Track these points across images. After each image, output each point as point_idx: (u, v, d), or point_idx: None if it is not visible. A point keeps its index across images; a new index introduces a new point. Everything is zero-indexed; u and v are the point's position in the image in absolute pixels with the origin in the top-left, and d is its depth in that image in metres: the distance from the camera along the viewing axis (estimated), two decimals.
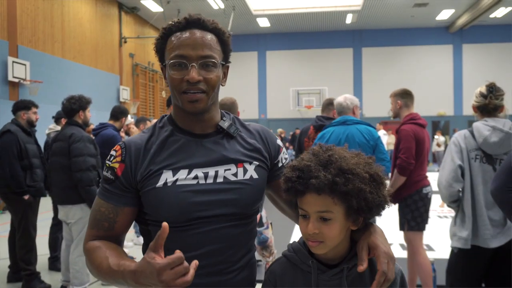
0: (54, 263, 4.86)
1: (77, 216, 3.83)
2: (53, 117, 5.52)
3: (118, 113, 4.81)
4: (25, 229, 4.37)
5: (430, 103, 20.42)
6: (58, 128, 5.26)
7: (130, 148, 1.26)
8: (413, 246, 3.72)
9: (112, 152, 1.28)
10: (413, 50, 21.33)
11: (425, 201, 3.65)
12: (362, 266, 1.15)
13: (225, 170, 1.26)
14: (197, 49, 1.22)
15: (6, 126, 4.46)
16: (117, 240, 1.28)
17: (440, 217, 7.68)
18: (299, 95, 21.26)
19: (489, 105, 2.72)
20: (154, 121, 6.71)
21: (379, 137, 3.64)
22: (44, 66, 11.80)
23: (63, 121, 5.22)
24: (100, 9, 15.16)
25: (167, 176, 1.22)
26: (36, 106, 4.67)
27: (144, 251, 1.31)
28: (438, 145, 18.13)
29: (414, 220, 3.65)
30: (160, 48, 1.29)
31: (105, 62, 15.42)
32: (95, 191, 3.79)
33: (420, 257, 3.68)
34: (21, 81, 10.68)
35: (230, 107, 3.60)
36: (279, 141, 1.43)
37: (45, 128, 5.55)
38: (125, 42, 16.78)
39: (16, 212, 4.41)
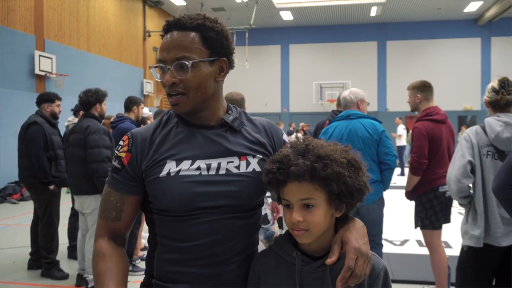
0: (73, 252, 4.99)
1: (92, 206, 3.93)
2: (72, 109, 5.65)
3: (128, 103, 4.89)
4: (49, 218, 4.51)
5: (457, 97, 19.97)
6: (76, 120, 5.39)
7: (136, 138, 1.30)
8: (429, 245, 3.67)
9: (120, 142, 1.33)
10: (439, 43, 20.85)
11: (441, 200, 3.55)
12: (330, 259, 1.16)
13: (227, 162, 1.28)
14: (171, 52, 1.24)
15: (32, 118, 4.57)
16: (123, 237, 1.33)
17: (460, 213, 7.53)
18: (322, 89, 21.08)
19: (500, 100, 2.65)
20: None
21: (383, 131, 3.54)
22: (69, 59, 12.06)
23: (81, 113, 5.35)
24: (125, 3, 15.37)
25: (170, 166, 1.25)
26: (60, 99, 4.78)
27: (149, 241, 1.36)
28: None
29: (428, 218, 3.59)
30: None
31: (129, 55, 15.65)
32: None
33: (436, 255, 3.62)
34: (47, 74, 10.96)
35: (240, 103, 3.63)
36: (285, 136, 1.44)
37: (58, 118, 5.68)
38: (149, 35, 16.98)
39: (40, 202, 4.54)
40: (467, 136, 2.73)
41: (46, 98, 4.67)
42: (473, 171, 2.69)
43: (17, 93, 10.15)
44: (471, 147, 2.68)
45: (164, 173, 1.25)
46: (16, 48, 10.23)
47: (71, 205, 5.13)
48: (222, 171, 1.27)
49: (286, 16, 19.76)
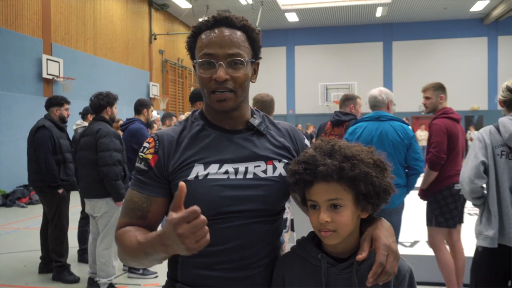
0: (83, 256, 4.99)
1: (103, 210, 3.93)
2: (80, 113, 5.66)
3: (138, 106, 4.91)
4: (58, 222, 4.51)
5: (463, 97, 19.88)
6: (85, 123, 5.40)
7: (163, 140, 1.29)
8: (435, 243, 3.65)
9: (145, 144, 1.31)
10: (445, 43, 20.77)
11: (456, 198, 3.54)
12: (361, 255, 1.15)
13: (255, 166, 1.28)
14: (225, 47, 1.23)
15: (40, 122, 4.58)
16: (150, 229, 1.28)
17: (470, 214, 7.49)
18: (328, 90, 21.08)
19: None
20: (182, 116, 6.74)
21: (414, 136, 3.49)
22: (76, 63, 12.12)
23: (89, 117, 5.36)
24: (131, 6, 15.43)
25: (198, 170, 1.24)
26: (68, 103, 4.79)
27: None
28: (472, 139, 17.62)
29: (442, 216, 3.56)
30: (191, 47, 1.31)
31: (135, 58, 15.71)
32: (121, 185, 3.89)
33: (441, 254, 3.61)
34: (55, 78, 11.01)
35: (270, 104, 3.64)
36: (307, 141, 1.44)
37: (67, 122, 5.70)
38: (155, 38, 17.03)
39: (50, 205, 4.55)
40: (480, 136, 2.69)
41: (55, 102, 4.68)
42: (486, 171, 2.65)
43: (25, 97, 10.21)
44: (485, 148, 2.64)
45: (192, 176, 1.24)
46: (24, 52, 10.29)
47: (80, 208, 5.14)
48: (249, 175, 1.26)
49: (292, 17, 19.76)
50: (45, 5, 11.01)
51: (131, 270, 4.56)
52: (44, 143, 4.41)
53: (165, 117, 6.38)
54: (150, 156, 1.28)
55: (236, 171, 1.26)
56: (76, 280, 4.43)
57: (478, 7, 18.37)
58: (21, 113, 9.89)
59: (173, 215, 0.99)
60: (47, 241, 4.62)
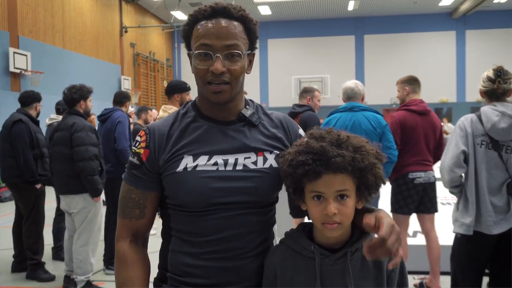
0: (58, 253, 4.89)
1: (80, 206, 3.84)
2: (57, 107, 5.51)
3: (122, 97, 4.81)
4: (35, 218, 4.41)
5: (433, 90, 20.26)
6: (60, 118, 5.26)
7: (154, 133, 1.28)
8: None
9: (137, 138, 1.31)
10: (415, 37, 21.14)
11: (410, 186, 3.71)
12: (369, 219, 1.15)
13: (245, 158, 1.27)
14: (222, 39, 1.21)
15: (16, 116, 4.45)
16: (144, 237, 1.33)
17: (443, 204, 7.67)
18: (301, 83, 21.07)
19: (497, 89, 2.64)
20: (155, 111, 6.61)
21: (386, 125, 3.59)
22: (45, 56, 11.77)
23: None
24: None
25: (187, 161, 1.24)
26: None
27: (163, 234, 1.35)
28: (446, 132, 17.86)
29: (397, 203, 3.78)
30: (187, 36, 1.29)
31: (106, 52, 15.37)
32: (98, 181, 3.80)
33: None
34: (23, 71, 10.67)
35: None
36: (301, 131, 1.43)
37: (46, 118, 5.55)
38: (126, 31, 16.70)
39: (26, 202, 4.43)
40: (462, 124, 2.72)
41: (38, 98, 4.65)
42: (466, 160, 2.70)
43: None
44: (465, 136, 2.67)
45: (181, 168, 1.23)
46: None
47: (54, 204, 5.01)
48: (239, 167, 1.26)
49: (264, 10, 19.71)
50: None
51: (108, 266, 4.47)
52: (21, 138, 4.30)
53: (141, 111, 6.28)
54: (141, 151, 1.27)
55: (226, 163, 1.25)
56: (52, 278, 4.33)
57: (446, 1, 18.73)
58: None
59: None
60: (20, 239, 4.50)
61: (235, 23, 1.25)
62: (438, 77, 20.71)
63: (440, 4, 19.13)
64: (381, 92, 20.09)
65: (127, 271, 1.26)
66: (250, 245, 1.27)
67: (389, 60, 21.09)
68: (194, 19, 1.27)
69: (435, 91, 20.45)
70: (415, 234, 5.77)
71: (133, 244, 1.30)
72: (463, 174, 2.76)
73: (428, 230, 3.82)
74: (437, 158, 3.86)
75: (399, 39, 21.27)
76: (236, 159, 1.26)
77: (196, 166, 1.23)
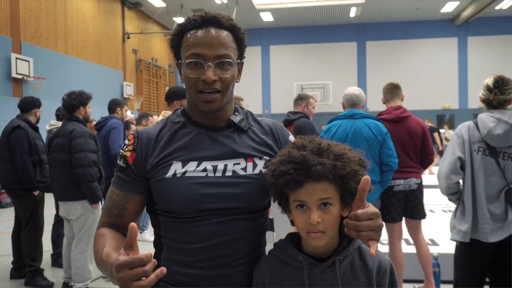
0: (57, 260, 4.87)
1: (78, 213, 3.82)
2: (57, 113, 5.53)
3: (112, 105, 4.93)
4: (34, 225, 4.40)
5: (435, 96, 20.29)
6: (59, 124, 5.27)
7: (142, 137, 1.29)
8: (388, 237, 3.83)
9: (126, 141, 1.32)
10: (417, 43, 21.16)
11: (390, 194, 3.70)
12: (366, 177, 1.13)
13: (234, 164, 1.27)
14: (213, 48, 1.23)
15: (15, 122, 4.45)
16: (125, 229, 1.28)
17: (444, 211, 7.63)
18: (303, 90, 21.09)
19: (493, 101, 2.65)
20: (155, 117, 6.64)
21: (387, 132, 3.54)
22: (47, 62, 11.81)
23: None
24: (103, 4, 15.14)
25: (176, 167, 1.24)
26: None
27: (155, 244, 1.34)
28: (447, 139, 17.79)
29: (381, 211, 3.75)
30: (176, 45, 1.30)
31: (108, 58, 15.42)
32: (96, 187, 3.79)
33: (389, 249, 3.80)
34: (25, 77, 10.70)
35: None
36: (291, 137, 1.42)
37: (47, 124, 5.56)
38: (128, 37, 16.77)
39: (25, 208, 4.42)
40: (459, 131, 2.73)
41: (38, 104, 4.64)
42: (463, 167, 2.70)
43: None
44: (462, 143, 2.68)
45: (170, 174, 1.23)
46: None
47: (53, 211, 5.00)
48: (228, 173, 1.25)
49: (266, 17, 19.78)
50: (13, 3, 10.67)
51: None
52: (20, 144, 4.29)
53: (141, 117, 6.29)
54: (128, 154, 1.28)
55: (215, 169, 1.25)
56: (50, 285, 4.31)
57: (448, 8, 18.77)
58: None
59: (120, 256, 0.97)
60: (19, 245, 4.49)
61: (225, 32, 1.27)
62: (440, 83, 20.71)
63: (442, 10, 19.16)
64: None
65: (103, 238, 1.22)
66: (240, 253, 1.26)
67: (391, 66, 21.10)
68: (183, 28, 1.28)
69: (437, 97, 20.46)
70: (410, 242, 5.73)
71: (112, 228, 1.29)
72: (461, 181, 2.75)
73: (414, 236, 3.84)
74: (423, 164, 3.85)
75: (401, 45, 21.29)
76: (226, 165, 1.26)
77: (185, 172, 1.23)
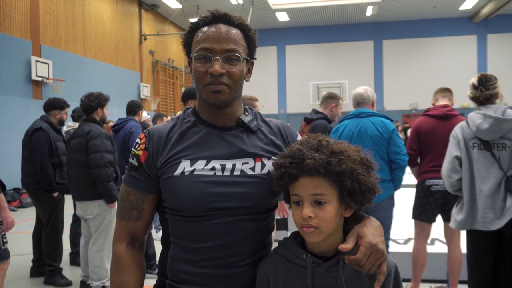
0: (75, 258, 4.95)
1: (95, 212, 3.89)
2: (72, 115, 5.60)
3: (134, 107, 4.87)
4: (54, 225, 4.45)
5: (454, 95, 19.94)
6: (76, 125, 5.34)
7: (153, 136, 1.30)
8: (414, 234, 3.79)
9: (138, 140, 1.33)
10: (435, 41, 20.89)
11: (427, 193, 3.63)
12: (345, 245, 1.14)
13: (242, 163, 1.27)
14: (222, 42, 1.24)
15: (37, 123, 4.50)
16: (142, 240, 1.34)
17: None
18: (319, 89, 21.05)
19: (480, 97, 2.85)
20: (169, 117, 6.69)
21: (394, 130, 3.51)
22: (66, 64, 12.01)
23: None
24: (121, 7, 15.33)
25: (185, 166, 1.24)
26: (68, 106, 4.80)
27: (162, 241, 1.36)
28: None
29: (416, 209, 3.73)
30: (187, 43, 1.32)
31: (125, 59, 15.61)
32: (113, 187, 3.85)
33: (414, 247, 3.75)
34: (44, 79, 10.90)
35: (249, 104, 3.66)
36: (299, 137, 1.43)
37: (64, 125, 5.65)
38: (145, 39, 16.94)
39: (44, 209, 4.48)
40: (454, 132, 2.95)
41: (58, 105, 4.65)
42: (461, 164, 2.88)
43: (14, 99, 10.09)
44: (458, 143, 2.89)
45: (178, 172, 1.24)
46: (12, 54, 10.16)
47: (72, 210, 5.08)
48: (236, 172, 1.26)
49: (282, 17, 19.76)
50: (33, 6, 10.89)
51: None
52: (41, 146, 4.35)
53: (156, 118, 6.35)
54: (141, 152, 1.29)
55: (223, 168, 1.26)
56: (69, 283, 4.38)
57: (467, 5, 18.48)
58: (10, 115, 9.77)
59: None
60: (40, 244, 4.57)
61: (235, 29, 1.29)
62: (459, 82, 20.29)
63: (461, 8, 18.88)
64: (400, 97, 19.91)
65: (122, 275, 1.27)
66: (247, 253, 1.27)
67: (408, 65, 20.87)
68: (195, 27, 1.31)
69: (456, 96, 19.76)
70: (433, 241, 5.65)
71: (129, 247, 1.30)
72: (460, 178, 2.91)
73: (448, 240, 3.68)
74: None
75: (419, 44, 21.04)
76: (234, 165, 1.27)
77: (194, 170, 1.24)
